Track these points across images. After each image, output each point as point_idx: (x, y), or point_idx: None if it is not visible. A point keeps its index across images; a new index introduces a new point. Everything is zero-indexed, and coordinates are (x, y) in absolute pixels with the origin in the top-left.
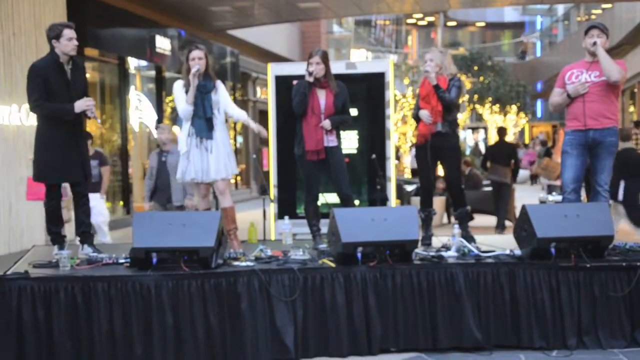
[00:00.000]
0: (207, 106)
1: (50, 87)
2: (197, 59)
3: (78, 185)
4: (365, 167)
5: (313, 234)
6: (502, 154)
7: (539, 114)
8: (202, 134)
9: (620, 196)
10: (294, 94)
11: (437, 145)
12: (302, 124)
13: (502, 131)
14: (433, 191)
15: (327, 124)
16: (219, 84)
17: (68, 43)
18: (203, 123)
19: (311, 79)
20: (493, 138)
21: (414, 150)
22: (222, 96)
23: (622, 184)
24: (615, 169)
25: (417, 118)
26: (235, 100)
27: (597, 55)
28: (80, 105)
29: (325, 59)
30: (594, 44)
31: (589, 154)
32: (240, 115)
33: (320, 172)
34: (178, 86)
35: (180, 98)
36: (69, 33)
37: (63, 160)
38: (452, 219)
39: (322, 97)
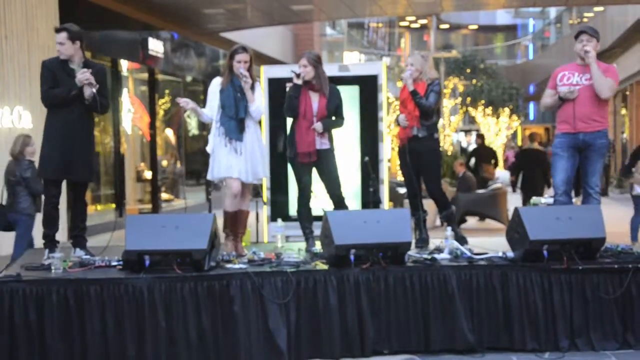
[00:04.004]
0: (241, 107)
1: (58, 84)
2: (244, 62)
3: (76, 187)
4: (358, 170)
5: (306, 236)
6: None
7: (531, 117)
8: (232, 135)
9: (519, 184)
10: (286, 97)
11: (415, 150)
12: (294, 126)
13: (532, 136)
14: (419, 194)
15: (318, 126)
16: (257, 85)
17: (57, 46)
18: (234, 124)
19: (299, 82)
20: (486, 141)
21: None
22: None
23: (521, 175)
24: (516, 163)
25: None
26: None
27: (588, 60)
28: (80, 78)
29: (314, 61)
30: (586, 52)
31: (580, 156)
32: (253, 110)
33: (312, 175)
34: (215, 84)
35: (210, 99)
36: (57, 37)
37: (56, 158)
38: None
39: (315, 100)
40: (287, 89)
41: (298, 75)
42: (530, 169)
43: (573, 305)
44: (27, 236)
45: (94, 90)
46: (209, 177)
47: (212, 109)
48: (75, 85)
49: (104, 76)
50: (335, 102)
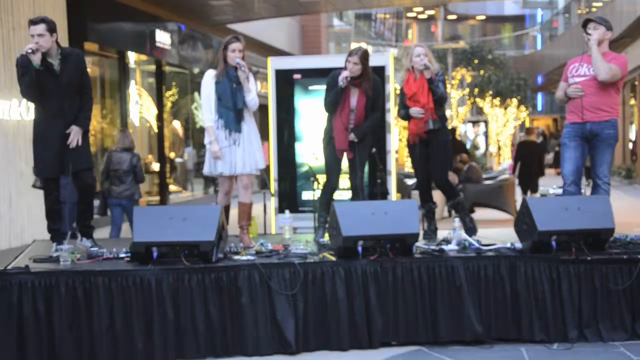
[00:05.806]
0: (239, 98)
1: (37, 78)
2: (238, 52)
3: (76, 176)
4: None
5: (318, 224)
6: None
7: (539, 107)
8: (231, 126)
9: (516, 173)
10: (327, 87)
11: (430, 142)
12: (332, 118)
13: (529, 130)
14: (431, 186)
15: (352, 137)
16: (251, 75)
17: (36, 38)
18: (232, 115)
19: (344, 84)
20: (494, 132)
21: None
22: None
23: (518, 165)
24: (515, 154)
25: (405, 117)
26: None
27: (590, 44)
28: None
29: (364, 59)
30: (589, 36)
31: (588, 146)
32: (250, 100)
33: (341, 164)
34: (208, 77)
35: (205, 95)
36: (33, 29)
37: (53, 153)
38: (453, 213)
39: (355, 96)
40: (329, 78)
41: (347, 78)
42: (527, 159)
43: (582, 296)
44: None
45: (31, 49)
46: (204, 171)
47: (211, 111)
48: (59, 86)
49: (83, 62)
50: (373, 99)
